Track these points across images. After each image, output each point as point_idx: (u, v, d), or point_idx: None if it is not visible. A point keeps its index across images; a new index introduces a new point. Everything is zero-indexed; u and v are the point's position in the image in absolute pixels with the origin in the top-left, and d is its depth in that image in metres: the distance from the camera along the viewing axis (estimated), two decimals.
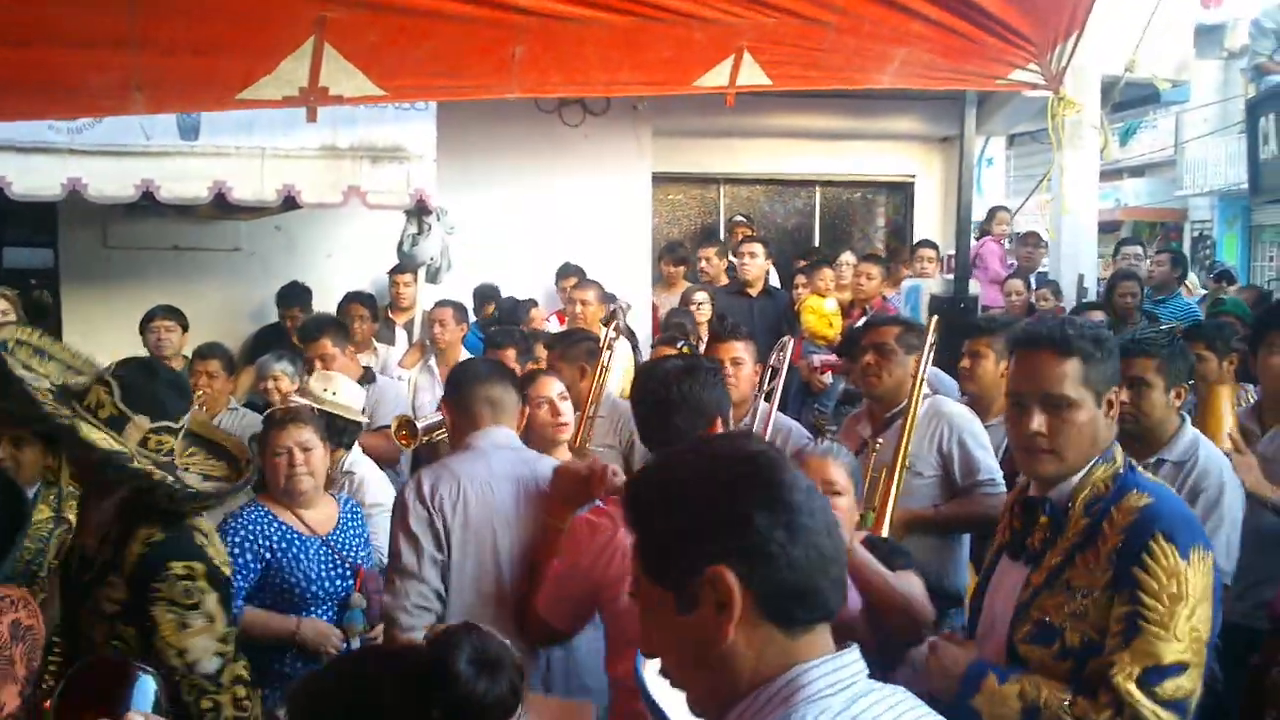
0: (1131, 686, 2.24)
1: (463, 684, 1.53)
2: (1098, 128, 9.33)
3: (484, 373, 3.77)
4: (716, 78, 6.69)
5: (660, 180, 10.64)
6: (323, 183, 6.75)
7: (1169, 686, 2.25)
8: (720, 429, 3.10)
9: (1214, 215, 18.69)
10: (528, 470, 3.58)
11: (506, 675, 1.58)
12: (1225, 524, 3.59)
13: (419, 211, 7.08)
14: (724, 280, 8.74)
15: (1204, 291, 10.81)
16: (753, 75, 6.67)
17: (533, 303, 8.62)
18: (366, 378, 5.98)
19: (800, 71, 7.01)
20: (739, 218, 10.49)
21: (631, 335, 7.66)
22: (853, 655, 1.51)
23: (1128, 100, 10.93)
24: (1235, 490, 3.69)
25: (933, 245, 9.43)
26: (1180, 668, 2.27)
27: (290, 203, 6.82)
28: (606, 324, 6.71)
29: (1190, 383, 4.55)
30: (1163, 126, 19.13)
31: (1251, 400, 4.78)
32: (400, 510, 3.53)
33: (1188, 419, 3.84)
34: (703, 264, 8.64)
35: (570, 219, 9.58)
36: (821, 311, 8.23)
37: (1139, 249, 10.23)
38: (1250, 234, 18.09)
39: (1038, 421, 2.41)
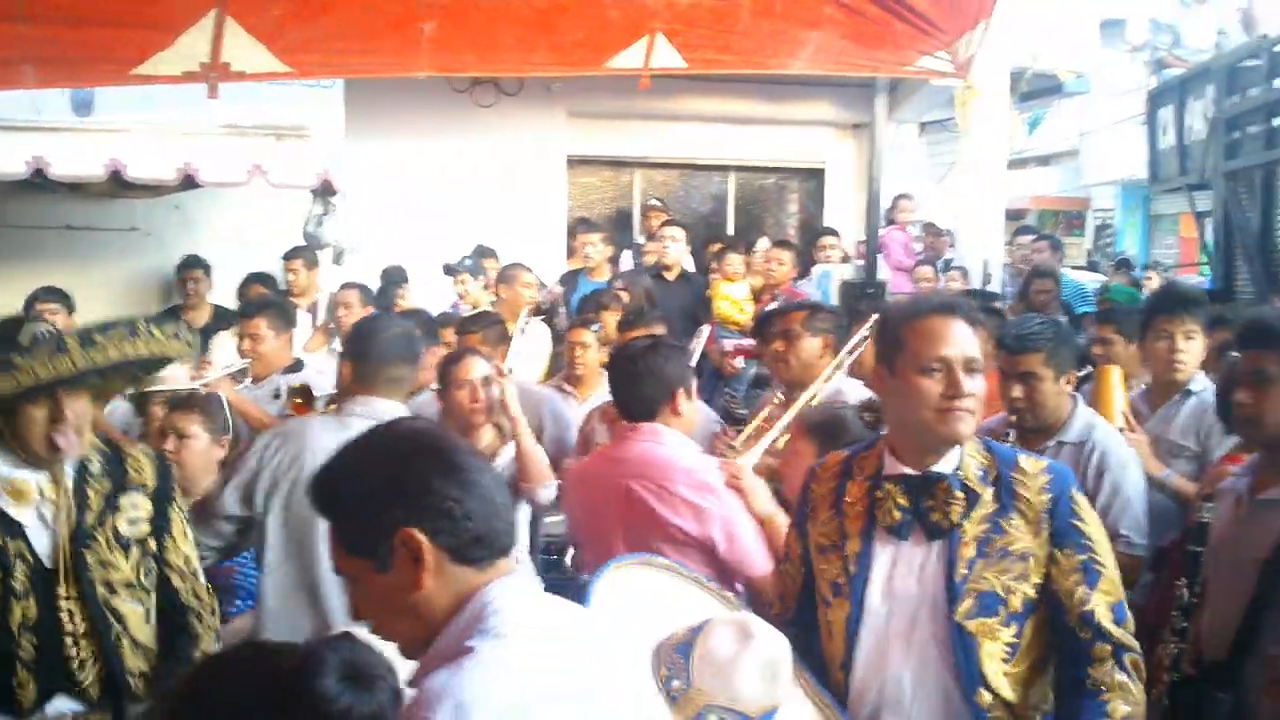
0: (1113, 626, 2.42)
1: (329, 702, 1.45)
2: (1003, 117, 9.45)
3: (392, 349, 3.66)
4: (630, 59, 6.62)
5: (575, 163, 10.57)
6: (224, 161, 6.57)
7: (1128, 618, 2.46)
8: (682, 399, 3.42)
9: (1116, 204, 19.10)
10: None
11: (381, 689, 1.50)
12: (1134, 500, 3.70)
13: (325, 192, 6.94)
14: (607, 269, 8.68)
15: (1103, 278, 11.01)
16: (667, 57, 6.61)
17: (403, 278, 8.45)
18: (295, 366, 5.79)
19: (714, 55, 6.97)
20: (653, 202, 10.45)
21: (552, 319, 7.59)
22: (523, 575, 1.84)
23: (1034, 91, 11.09)
24: (1137, 466, 3.80)
25: (835, 233, 9.48)
26: (1125, 600, 2.49)
27: (190, 181, 6.63)
28: (538, 312, 6.68)
29: (1089, 367, 4.67)
30: (1068, 117, 19.48)
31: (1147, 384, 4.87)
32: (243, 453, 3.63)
33: (1080, 400, 3.93)
34: (587, 250, 8.56)
35: (483, 201, 9.46)
36: (733, 298, 8.22)
37: (1030, 236, 10.37)
38: (1150, 223, 18.52)
39: (969, 384, 2.44)
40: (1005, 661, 2.43)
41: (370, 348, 3.65)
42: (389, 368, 3.61)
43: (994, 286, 9.66)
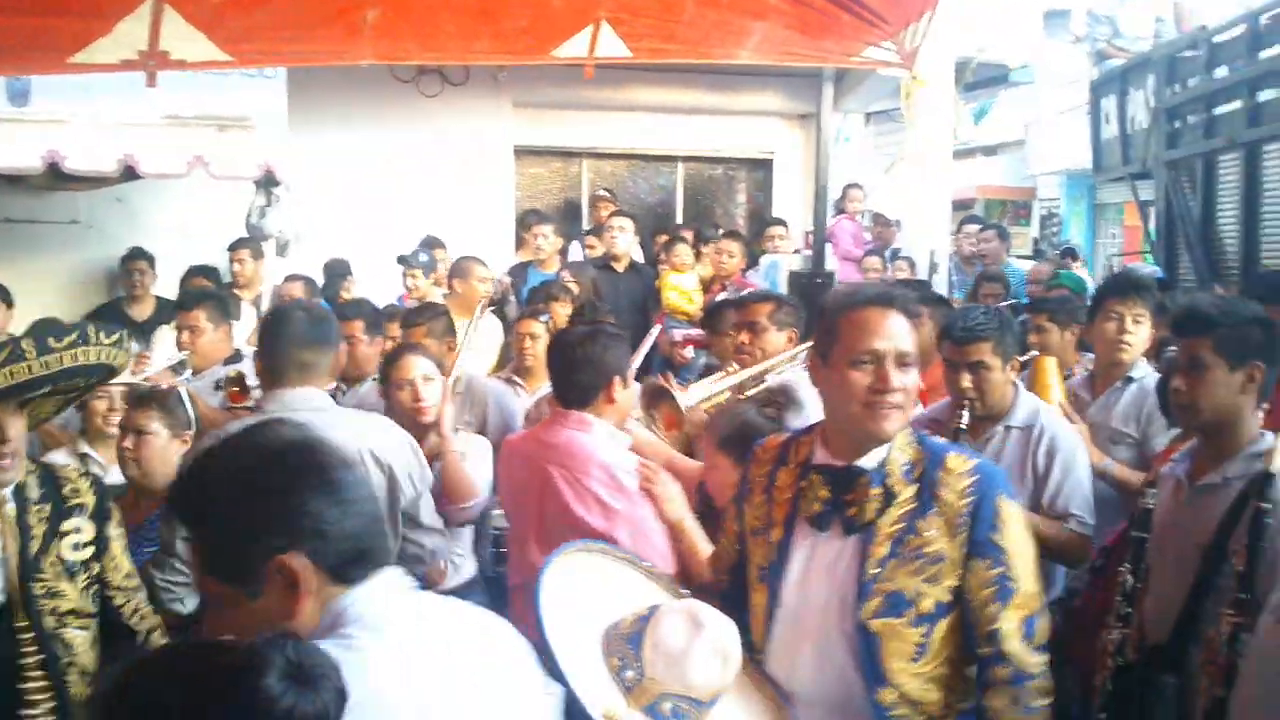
0: (1019, 646, 2.40)
1: (272, 702, 1.40)
2: (949, 107, 9.50)
3: (298, 333, 3.51)
4: (575, 48, 6.59)
5: (522, 153, 10.52)
6: (165, 152, 6.46)
7: (1039, 630, 2.44)
8: (618, 388, 3.44)
9: (1061, 194, 19.30)
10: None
11: (325, 689, 1.46)
12: (1084, 480, 3.76)
13: (268, 183, 6.84)
14: (557, 260, 8.65)
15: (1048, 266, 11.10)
16: (612, 46, 6.59)
17: (347, 270, 8.37)
18: (234, 358, 5.70)
19: (660, 44, 6.96)
20: (602, 192, 10.42)
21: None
22: (393, 572, 1.73)
23: (979, 81, 11.16)
24: (1084, 448, 3.87)
25: (783, 223, 9.50)
26: (1040, 610, 2.46)
27: (130, 173, 6.51)
28: (492, 303, 6.62)
29: (1032, 353, 4.73)
30: (1015, 107, 19.65)
31: (1089, 370, 4.94)
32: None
33: (1021, 385, 4.00)
34: (539, 241, 8.52)
35: (430, 192, 9.38)
36: (682, 288, 8.22)
37: (977, 226, 10.45)
38: (1095, 212, 18.74)
39: (900, 379, 2.42)
40: (913, 661, 2.41)
41: (274, 337, 3.52)
42: (297, 353, 3.46)
43: (940, 276, 9.73)
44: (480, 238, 8.89)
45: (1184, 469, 3.16)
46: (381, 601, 1.67)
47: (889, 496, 2.45)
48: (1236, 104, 7.16)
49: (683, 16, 6.49)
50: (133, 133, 6.36)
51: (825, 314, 2.57)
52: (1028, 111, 18.13)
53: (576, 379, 3.46)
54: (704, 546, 3.22)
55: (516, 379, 5.58)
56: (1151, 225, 9.17)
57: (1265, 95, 6.84)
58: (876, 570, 2.42)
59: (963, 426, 3.74)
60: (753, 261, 8.86)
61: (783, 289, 8.04)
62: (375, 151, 9.25)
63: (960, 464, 2.48)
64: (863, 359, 2.42)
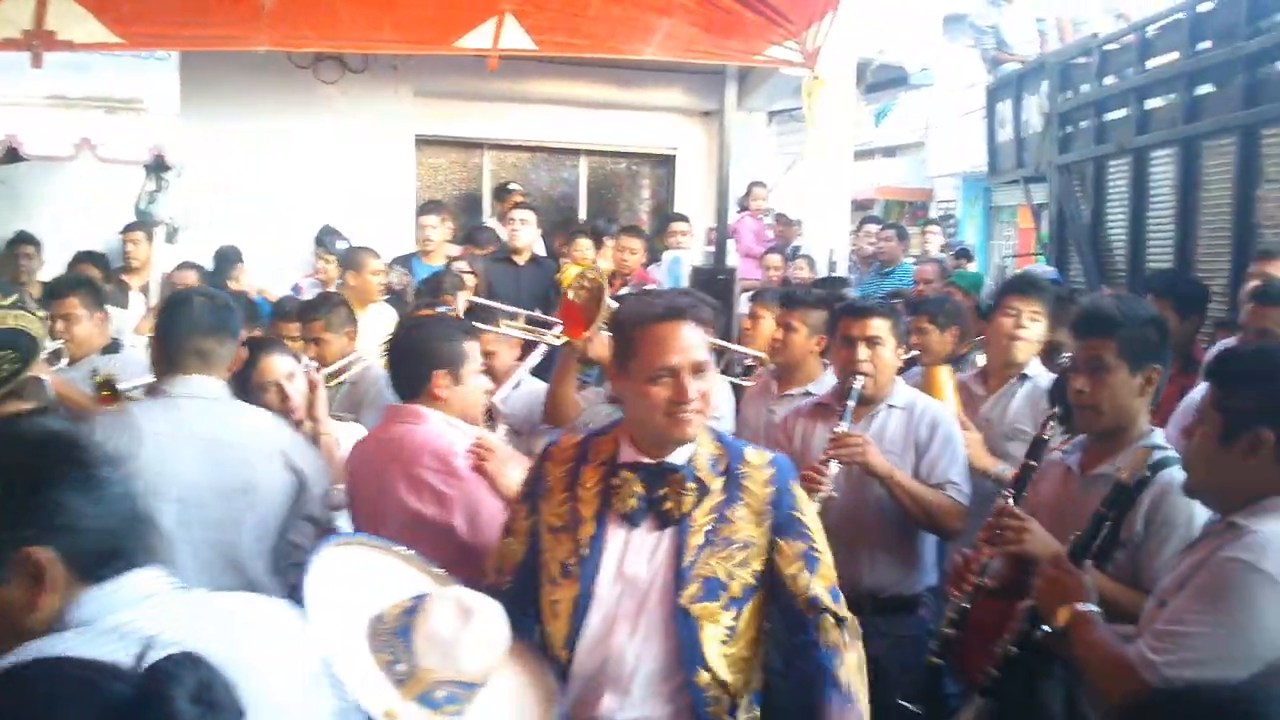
0: (833, 605, 2.57)
1: None
2: (850, 108, 9.61)
3: (198, 320, 3.40)
4: (479, 39, 6.55)
5: (423, 143, 10.38)
6: (50, 133, 6.25)
7: (841, 598, 2.62)
8: (442, 384, 3.34)
9: (958, 195, 19.68)
10: (226, 429, 3.31)
11: (232, 711, 1.40)
12: (961, 454, 3.94)
13: (158, 167, 6.66)
14: (442, 252, 8.57)
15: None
16: (516, 39, 6.57)
17: (238, 258, 8.17)
18: (111, 347, 5.51)
19: (565, 38, 6.95)
20: (513, 186, 10.32)
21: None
22: (150, 572, 1.67)
23: (879, 82, 11.29)
24: (958, 426, 4.05)
25: (685, 219, 9.52)
26: (836, 582, 2.65)
27: (13, 154, 6.29)
28: (390, 293, 6.51)
29: (912, 353, 4.85)
30: (914, 109, 19.96)
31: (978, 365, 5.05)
32: None
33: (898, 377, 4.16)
34: (427, 232, 8.43)
35: (327, 180, 9.21)
36: None
37: (876, 226, 10.60)
38: (990, 214, 19.15)
39: (695, 388, 2.52)
40: (724, 644, 2.54)
41: (173, 323, 3.42)
42: (196, 340, 3.36)
43: (839, 274, 9.84)
44: (380, 228, 8.77)
45: (1075, 459, 3.23)
46: (124, 601, 1.62)
47: (703, 489, 2.57)
48: (1125, 111, 7.35)
49: (588, 11, 6.48)
50: (15, 113, 6.14)
51: (620, 328, 2.67)
52: (927, 114, 18.45)
53: (401, 369, 3.45)
54: None
55: None
56: (1044, 228, 9.38)
57: (1153, 103, 7.03)
58: (693, 558, 2.53)
59: (856, 388, 3.87)
60: (655, 257, 8.87)
61: (684, 285, 8.06)
62: (271, 138, 9.04)
63: (758, 458, 2.66)
64: (660, 375, 2.52)
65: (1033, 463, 3.30)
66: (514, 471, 3.23)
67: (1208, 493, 2.48)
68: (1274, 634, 2.19)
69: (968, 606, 3.24)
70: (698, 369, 2.53)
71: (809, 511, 2.67)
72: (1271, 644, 2.18)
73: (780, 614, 2.63)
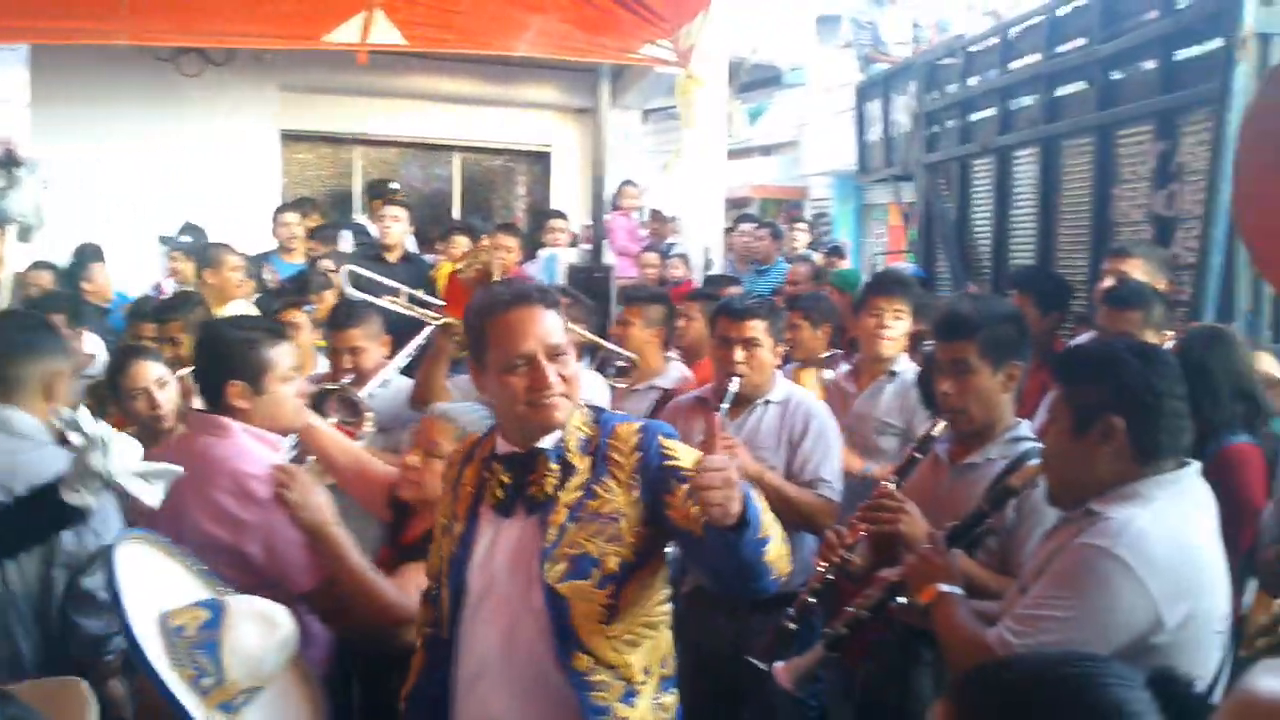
0: None
1: None
2: (724, 106, 9.67)
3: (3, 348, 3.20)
4: (347, 34, 6.42)
5: (290, 139, 10.16)
6: None
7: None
8: (237, 394, 3.11)
9: (831, 194, 19.99)
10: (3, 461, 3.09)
11: None
12: (835, 452, 3.97)
13: (9, 162, 6.38)
14: (304, 250, 8.41)
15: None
16: (386, 34, 6.45)
17: (97, 256, 7.89)
18: None
19: (436, 33, 6.86)
20: (394, 186, 10.14)
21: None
22: None
23: (753, 82, 11.38)
24: (835, 422, 4.06)
25: (563, 216, 9.50)
26: None
27: None
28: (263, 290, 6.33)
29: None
30: (789, 108, 20.21)
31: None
32: None
33: (780, 371, 4.19)
34: (281, 229, 8.25)
35: (189, 176, 8.95)
36: None
37: (752, 225, 10.67)
38: (862, 212, 19.49)
39: (554, 374, 2.45)
40: (604, 623, 2.43)
41: None
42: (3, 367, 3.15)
43: (715, 273, 9.90)
44: (244, 225, 8.54)
45: (944, 450, 3.29)
46: None
47: (567, 470, 2.49)
48: (990, 111, 7.52)
49: (459, 6, 6.40)
50: None
51: (471, 323, 2.58)
52: (801, 113, 18.69)
53: (199, 374, 3.26)
54: (353, 556, 3.00)
55: None
56: (914, 226, 9.56)
57: (1015, 103, 7.21)
58: (556, 537, 2.44)
59: (731, 389, 3.89)
60: (531, 255, 8.83)
61: (560, 282, 8.04)
62: (130, 132, 8.75)
63: (628, 429, 2.54)
64: (516, 364, 2.45)
65: (918, 454, 3.33)
66: (316, 501, 3.04)
67: (1067, 488, 2.53)
68: (1127, 618, 2.25)
69: (832, 578, 3.28)
70: (554, 353, 2.46)
71: (684, 453, 2.48)
72: (1125, 627, 2.25)
73: (705, 558, 2.43)
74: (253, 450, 3.11)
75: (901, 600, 2.75)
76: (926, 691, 3.06)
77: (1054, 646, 2.23)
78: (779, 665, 2.79)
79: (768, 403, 4.03)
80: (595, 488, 2.47)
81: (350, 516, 3.25)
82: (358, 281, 4.98)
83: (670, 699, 2.57)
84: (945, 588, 2.60)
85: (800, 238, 11.07)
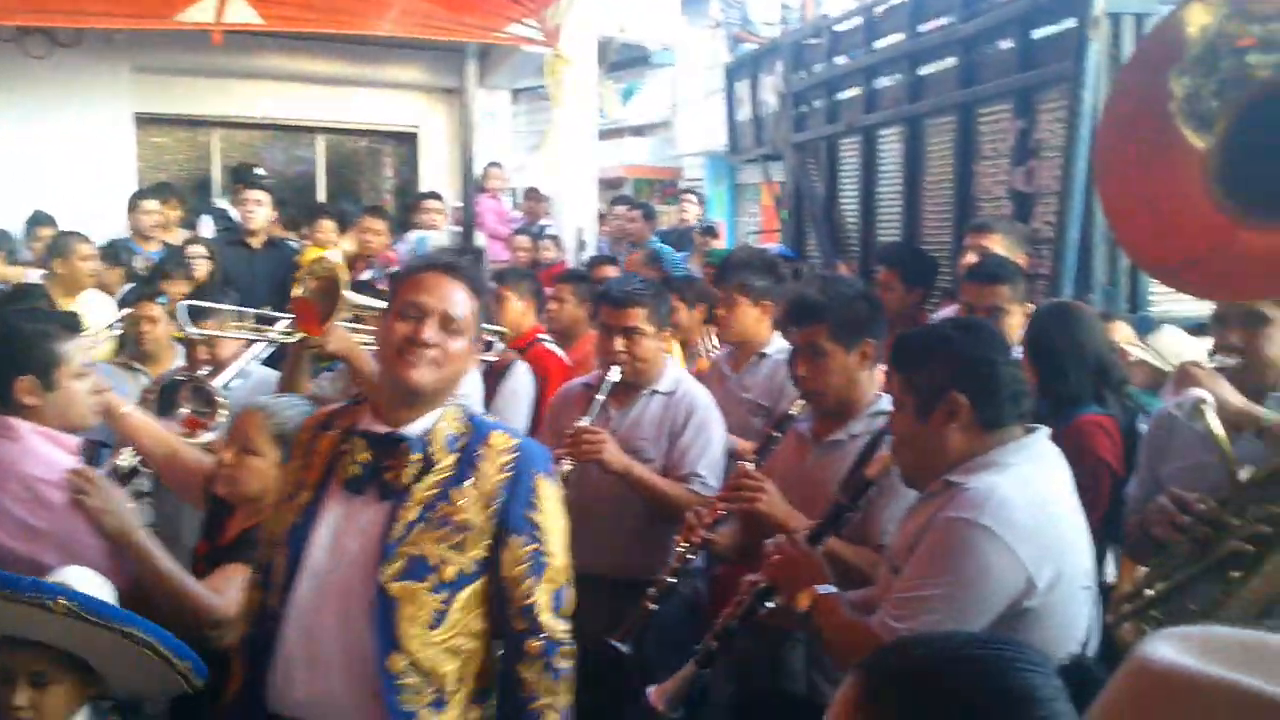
0: (550, 619, 2.49)
1: None
2: (594, 86, 9.61)
3: None
4: (201, 13, 6.25)
5: (145, 122, 9.81)
6: None
7: (566, 600, 2.55)
8: (28, 389, 2.94)
9: (705, 174, 20.10)
10: None
11: None
12: (715, 444, 3.89)
13: None
14: (176, 235, 8.16)
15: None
16: (241, 13, 6.29)
17: None
18: None
19: (295, 13, 6.70)
20: (256, 169, 9.85)
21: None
22: None
23: (622, 61, 11.33)
24: (718, 414, 4.00)
25: (438, 197, 9.35)
26: (567, 583, 2.56)
27: None
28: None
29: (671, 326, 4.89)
30: (661, 88, 20.24)
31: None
32: None
33: (671, 357, 4.17)
34: (139, 217, 7.98)
35: (36, 163, 8.56)
36: None
37: (625, 206, 10.65)
38: (736, 192, 19.65)
39: (432, 330, 2.44)
40: (430, 628, 2.39)
41: None
42: None
43: (589, 254, 9.86)
44: (97, 213, 8.21)
45: (807, 427, 3.33)
46: None
47: (428, 463, 2.46)
48: (855, 90, 7.59)
49: None
50: None
51: (392, 283, 2.63)
52: (674, 93, 18.74)
53: None
54: (160, 560, 2.88)
55: (137, 365, 5.20)
56: (785, 206, 9.62)
57: (880, 83, 7.29)
58: (402, 533, 2.40)
59: (609, 379, 3.84)
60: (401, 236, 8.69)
61: None
62: None
63: (503, 441, 2.52)
64: (408, 311, 2.46)
65: (775, 433, 3.38)
66: (116, 506, 2.90)
67: (922, 471, 2.56)
68: (1001, 585, 2.29)
69: (692, 557, 3.33)
70: (448, 322, 2.44)
71: (548, 507, 2.52)
72: (1000, 594, 2.30)
73: (497, 623, 2.52)
74: (43, 452, 2.94)
75: (771, 605, 2.73)
76: (799, 668, 3.08)
77: (937, 625, 2.25)
78: (652, 689, 2.78)
79: (654, 393, 3.94)
80: (453, 491, 2.44)
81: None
82: (195, 313, 4.73)
83: (477, 713, 2.54)
84: (822, 589, 2.59)
85: (690, 209, 11.08)
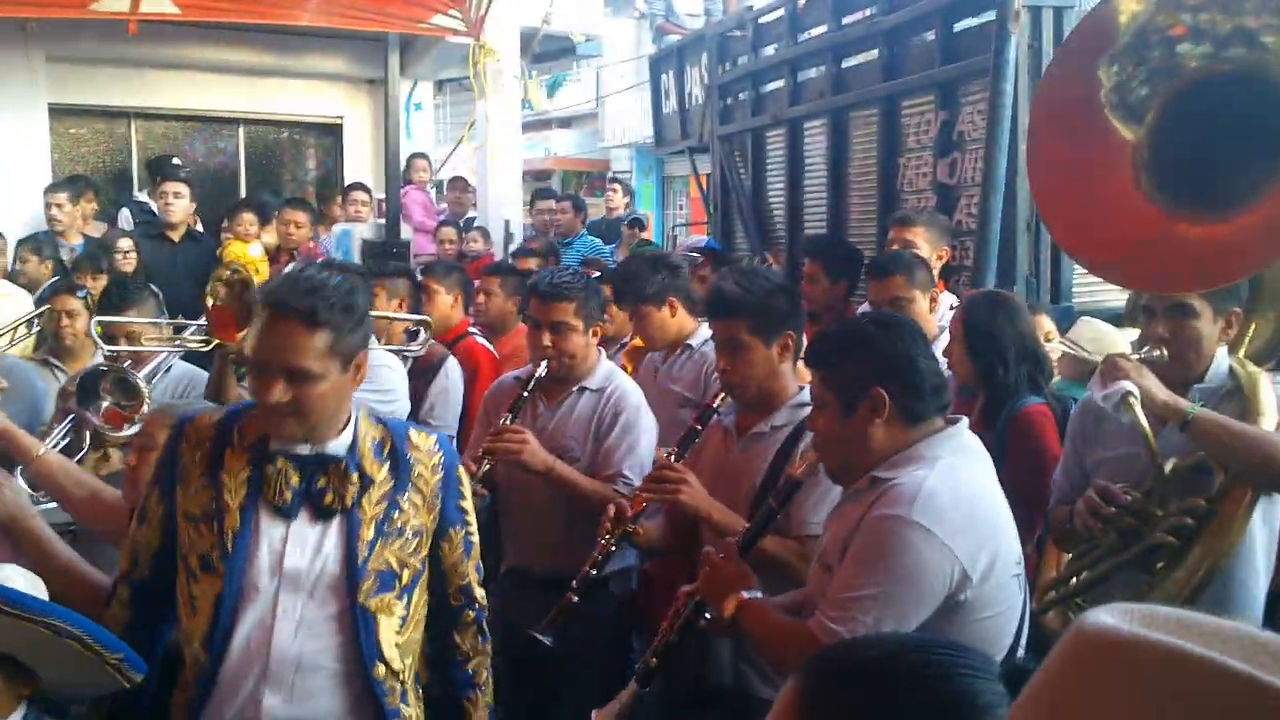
0: (478, 590, 2.69)
1: None
2: (519, 77, 9.56)
3: None
4: (116, 2, 6.12)
5: (60, 113, 9.56)
6: None
7: (481, 568, 2.73)
8: None
9: (632, 166, 20.13)
10: None
11: None
12: (641, 442, 3.85)
13: None
14: (77, 230, 7.99)
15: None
16: (158, 3, 6.17)
17: None
18: None
19: (211, 2, 6.58)
20: (175, 161, 9.65)
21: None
22: None
23: (547, 52, 11.28)
24: (648, 412, 3.96)
25: (365, 189, 9.24)
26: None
27: None
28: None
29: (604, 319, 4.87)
30: (587, 80, 20.23)
31: None
32: None
33: (604, 353, 4.09)
34: (53, 210, 7.81)
35: None
36: (247, 257, 7.79)
37: (551, 200, 10.59)
38: (664, 184, 19.73)
39: (279, 392, 2.34)
40: (398, 633, 2.50)
41: None
42: None
43: (516, 247, 9.81)
44: (9, 205, 8.01)
45: (731, 421, 3.33)
46: None
47: (367, 480, 2.47)
48: (780, 83, 7.64)
49: None
50: None
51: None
52: (601, 85, 18.73)
53: None
54: (56, 546, 2.80)
55: (54, 360, 5.08)
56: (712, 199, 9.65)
57: (804, 75, 7.34)
58: (367, 553, 2.45)
59: (538, 374, 3.82)
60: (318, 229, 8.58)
61: (356, 258, 7.83)
62: None
63: (424, 440, 2.60)
64: (255, 364, 2.39)
65: (698, 426, 3.38)
66: (8, 494, 2.82)
67: (848, 469, 2.56)
68: (937, 580, 2.31)
69: (613, 549, 3.34)
70: (294, 376, 2.32)
71: (469, 494, 2.68)
72: (937, 589, 2.31)
73: (434, 606, 2.64)
74: None
75: (710, 616, 2.73)
76: (725, 661, 3.09)
77: (875, 625, 2.27)
78: (595, 713, 2.74)
79: (584, 390, 3.90)
80: (400, 500, 2.51)
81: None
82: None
83: (419, 690, 2.65)
84: (746, 594, 2.60)
85: (616, 199, 11.06)
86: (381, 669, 2.46)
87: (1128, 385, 2.93)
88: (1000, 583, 2.39)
